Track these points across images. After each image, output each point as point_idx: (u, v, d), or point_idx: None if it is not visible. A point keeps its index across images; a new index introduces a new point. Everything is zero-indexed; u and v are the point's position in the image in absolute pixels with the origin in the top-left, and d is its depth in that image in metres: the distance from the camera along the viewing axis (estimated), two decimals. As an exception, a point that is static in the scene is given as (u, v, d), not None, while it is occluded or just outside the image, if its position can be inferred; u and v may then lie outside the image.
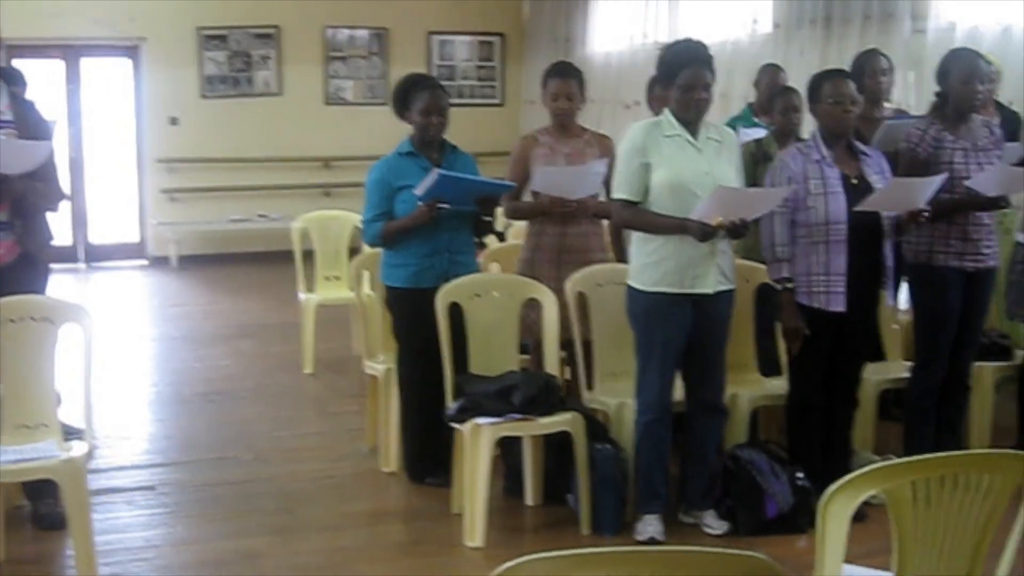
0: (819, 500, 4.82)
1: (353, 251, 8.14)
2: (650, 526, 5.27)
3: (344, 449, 6.65)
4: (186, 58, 13.39)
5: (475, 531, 5.22)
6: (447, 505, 5.59)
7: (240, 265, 13.24)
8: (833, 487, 2.84)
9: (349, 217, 8.88)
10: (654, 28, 11.74)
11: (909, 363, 6.15)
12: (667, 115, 5.20)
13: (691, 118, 5.16)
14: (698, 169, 5.11)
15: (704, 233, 4.96)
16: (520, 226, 7.34)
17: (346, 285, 8.44)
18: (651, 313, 5.21)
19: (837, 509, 2.84)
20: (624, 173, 5.19)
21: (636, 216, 5.19)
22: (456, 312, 5.62)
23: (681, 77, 5.09)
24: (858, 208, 5.21)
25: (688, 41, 5.27)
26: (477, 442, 5.23)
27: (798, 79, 7.41)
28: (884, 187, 5.31)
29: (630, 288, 5.28)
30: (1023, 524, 3.06)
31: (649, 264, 5.17)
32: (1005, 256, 6.21)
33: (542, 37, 14.01)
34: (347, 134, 13.62)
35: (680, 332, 5.20)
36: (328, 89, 13.98)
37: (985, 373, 6.28)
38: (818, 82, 5.44)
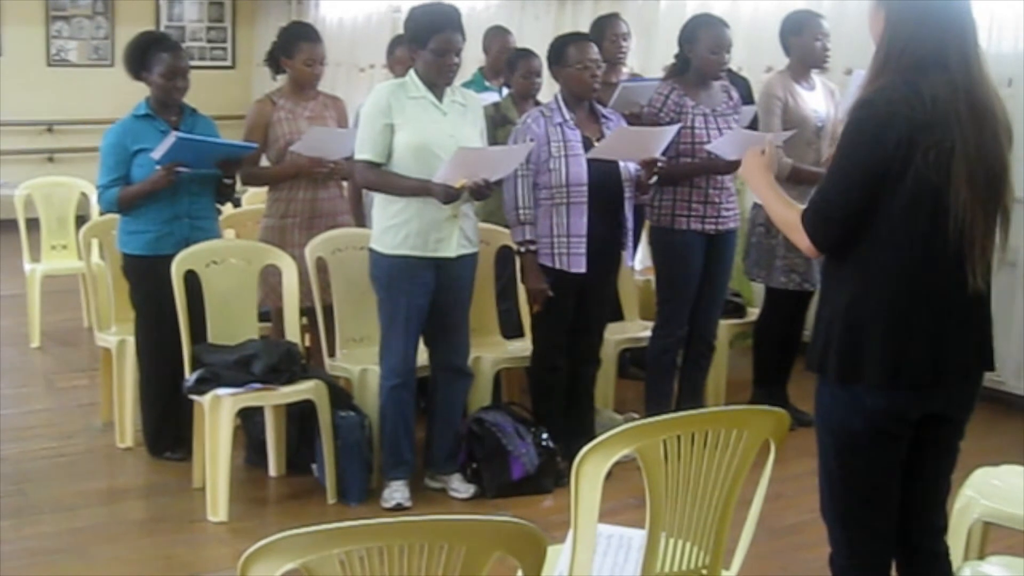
0: (566, 460, 4.90)
1: (80, 219, 7.83)
2: (397, 492, 5.25)
3: (77, 425, 6.40)
4: None
5: (218, 505, 5.09)
6: (188, 479, 5.45)
7: (-42, 235, 12.60)
8: (586, 448, 2.85)
9: (75, 184, 8.57)
10: (389, -9, 11.64)
11: (647, 323, 6.28)
12: (412, 77, 5.15)
13: (440, 82, 5.13)
14: (442, 131, 5.08)
15: (448, 195, 4.94)
16: (257, 191, 7.19)
17: (74, 254, 8.15)
18: (394, 277, 5.16)
19: (591, 469, 2.86)
20: (368, 134, 5.12)
21: (380, 178, 5.13)
22: (194, 280, 5.45)
23: (433, 41, 5.04)
24: (589, 156, 5.30)
25: (440, 4, 5.22)
26: (217, 414, 5.10)
27: (533, 44, 7.45)
28: (613, 133, 5.39)
29: (372, 252, 5.22)
30: (769, 476, 3.15)
31: (392, 227, 5.13)
32: (744, 217, 6.39)
33: (274, -2, 13.77)
34: (71, 97, 13.09)
35: (423, 296, 5.17)
36: (50, 50, 13.37)
37: (720, 331, 6.44)
38: (563, 46, 5.47)
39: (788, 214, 3.25)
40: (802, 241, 3.16)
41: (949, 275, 3.06)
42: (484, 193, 5.04)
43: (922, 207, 3.00)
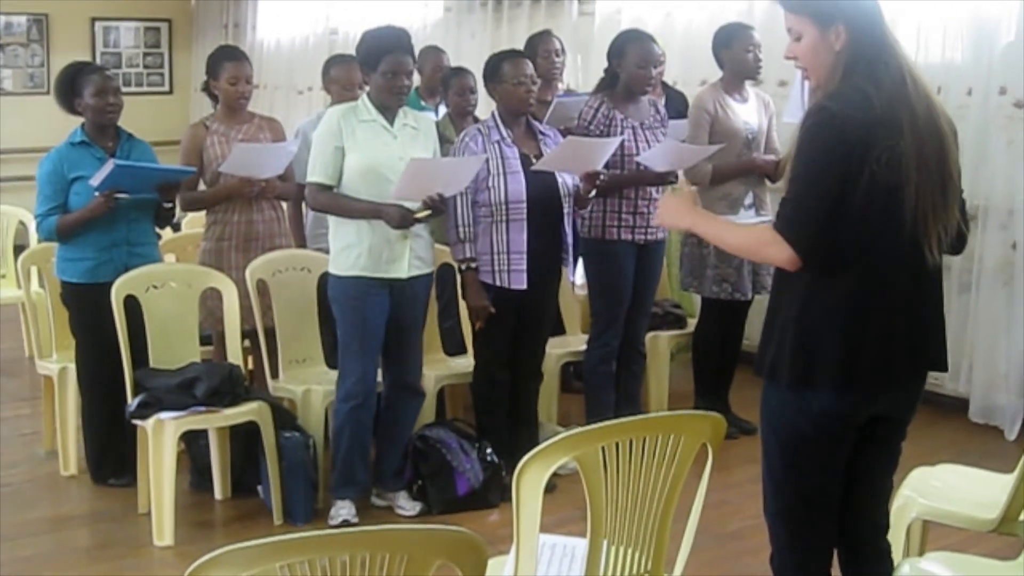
0: (510, 474, 4.92)
1: (18, 248, 7.77)
2: (343, 510, 5.26)
3: (19, 455, 6.34)
4: None
5: (163, 530, 5.09)
6: (133, 505, 5.42)
7: None
8: (526, 458, 2.88)
9: (13, 212, 8.49)
10: (325, 15, 11.65)
11: (587, 335, 6.31)
12: (364, 100, 5.20)
13: (392, 104, 5.17)
14: (392, 154, 5.11)
15: (401, 219, 4.98)
16: (197, 215, 7.17)
17: (13, 283, 8.07)
18: (349, 298, 5.19)
19: (531, 479, 2.88)
20: (319, 157, 5.16)
21: (332, 200, 5.17)
22: (134, 305, 5.43)
23: (384, 63, 5.08)
24: (535, 168, 5.36)
25: (390, 28, 5.26)
26: (161, 438, 5.09)
27: (470, 62, 7.51)
28: (560, 145, 5.45)
29: (330, 274, 5.27)
30: (709, 481, 3.19)
31: (345, 248, 5.17)
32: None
33: (210, 23, 13.71)
34: (7, 126, 12.92)
35: (379, 316, 5.20)
36: (-16, 78, 13.29)
37: (661, 342, 6.51)
38: (497, 63, 5.53)
39: (750, 235, 3.25)
40: (780, 255, 3.09)
41: (902, 275, 3.11)
42: (440, 209, 5.07)
43: (875, 207, 3.03)
